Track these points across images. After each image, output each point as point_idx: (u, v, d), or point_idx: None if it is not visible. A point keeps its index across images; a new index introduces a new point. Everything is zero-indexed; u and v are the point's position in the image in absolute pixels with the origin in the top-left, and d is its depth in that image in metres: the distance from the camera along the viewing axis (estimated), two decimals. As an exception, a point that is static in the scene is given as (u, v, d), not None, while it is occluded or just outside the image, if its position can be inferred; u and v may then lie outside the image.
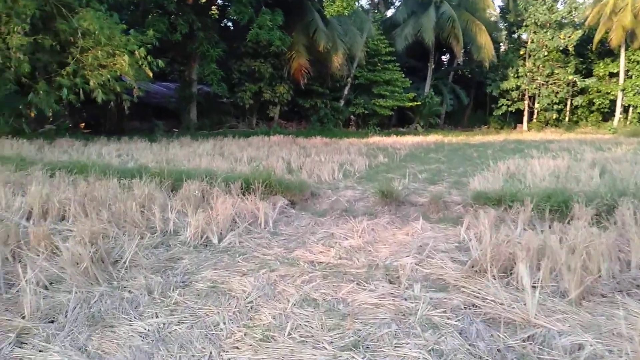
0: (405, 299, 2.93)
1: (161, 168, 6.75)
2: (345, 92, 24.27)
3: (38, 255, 3.29)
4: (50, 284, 2.98)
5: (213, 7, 21.18)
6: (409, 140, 17.22)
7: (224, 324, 2.57)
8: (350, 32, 21.93)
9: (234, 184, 5.69)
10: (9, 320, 2.47)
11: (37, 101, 11.84)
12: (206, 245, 4.06)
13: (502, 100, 29.89)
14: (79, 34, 11.81)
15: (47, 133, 13.68)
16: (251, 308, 2.77)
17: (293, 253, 3.84)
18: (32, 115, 13.72)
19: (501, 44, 32.57)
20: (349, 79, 23.94)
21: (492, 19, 32.07)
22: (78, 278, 2.98)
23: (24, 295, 2.63)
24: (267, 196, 5.56)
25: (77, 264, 3.09)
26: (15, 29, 10.73)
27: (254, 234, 4.41)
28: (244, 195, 5.50)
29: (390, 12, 32.35)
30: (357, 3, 20.31)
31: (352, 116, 25.39)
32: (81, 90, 11.82)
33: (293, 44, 19.85)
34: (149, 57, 12.12)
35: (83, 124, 18.34)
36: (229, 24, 24.07)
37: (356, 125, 25.76)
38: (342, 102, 24.30)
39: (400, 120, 29.13)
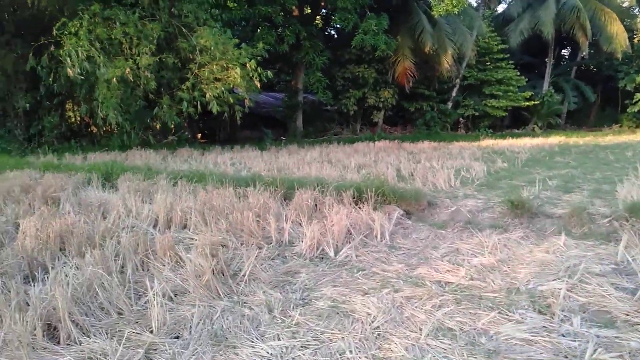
0: (564, 336, 2.43)
1: (273, 176, 6.80)
2: (454, 93, 23.11)
3: (164, 266, 3.34)
4: (175, 295, 2.98)
5: (317, 17, 21.54)
6: (527, 142, 15.76)
7: (350, 352, 2.31)
8: (459, 31, 20.85)
9: (346, 192, 5.48)
10: (138, 334, 2.46)
11: (161, 115, 12.91)
12: (322, 258, 3.88)
13: (638, 95, 26.28)
14: (197, 51, 12.64)
15: (170, 144, 14.85)
16: (378, 335, 2.48)
17: (416, 270, 3.48)
18: (157, 127, 15.03)
19: (635, 33, 28.75)
20: (457, 80, 22.76)
21: (625, 4, 28.46)
22: (200, 291, 2.94)
23: (151, 308, 2.63)
24: (380, 206, 5.26)
25: (199, 276, 3.07)
26: (144, 50, 11.79)
27: (371, 247, 4.14)
28: (356, 204, 5.27)
29: (501, 8, 30.27)
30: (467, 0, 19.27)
31: (460, 118, 24.10)
32: (199, 103, 12.63)
33: (398, 47, 19.35)
34: (259, 69, 12.57)
35: (200, 135, 19.71)
36: (333, 32, 24.32)
37: (465, 128, 24.38)
38: (449, 104, 23.18)
39: (515, 122, 26.97)
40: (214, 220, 4.52)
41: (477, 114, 23.44)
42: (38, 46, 12.32)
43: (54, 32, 11.73)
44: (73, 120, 17.17)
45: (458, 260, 3.71)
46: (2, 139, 14.33)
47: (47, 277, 3.04)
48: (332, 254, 3.91)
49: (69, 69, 11.40)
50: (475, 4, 27.14)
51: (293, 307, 2.84)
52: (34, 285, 2.96)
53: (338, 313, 2.76)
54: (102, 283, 2.86)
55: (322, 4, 20.06)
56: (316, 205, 5.27)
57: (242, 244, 4.07)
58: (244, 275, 3.29)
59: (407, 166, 8.78)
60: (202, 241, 3.71)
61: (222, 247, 3.91)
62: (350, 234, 4.35)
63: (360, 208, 4.89)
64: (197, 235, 4.29)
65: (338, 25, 18.26)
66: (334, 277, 3.39)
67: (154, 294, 2.73)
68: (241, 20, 17.51)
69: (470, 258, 3.73)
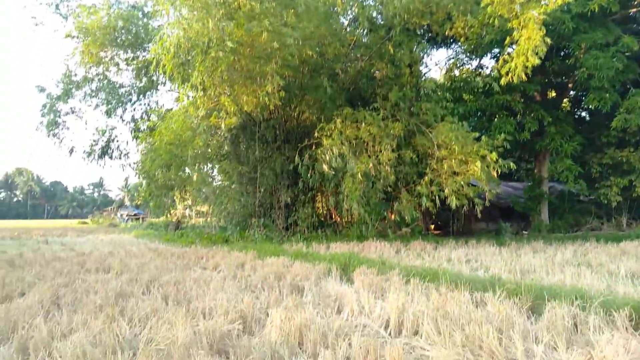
0: None
1: (516, 281, 5.97)
2: None
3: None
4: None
5: (565, 100, 19.76)
6: None
7: None
8: None
9: (618, 312, 4.30)
10: None
11: (400, 209, 13.42)
12: (591, 404, 2.97)
13: None
14: (435, 146, 12.94)
15: (404, 235, 15.10)
16: None
17: None
18: (392, 219, 15.57)
19: None
20: None
21: None
22: None
23: None
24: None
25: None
26: (385, 147, 12.75)
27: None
28: (636, 330, 4.05)
29: None
30: None
31: None
32: (437, 197, 12.67)
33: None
34: (499, 160, 12.01)
35: (433, 226, 19.55)
36: (584, 113, 21.78)
37: None
38: None
39: None
40: (448, 330, 4.07)
41: None
42: (301, 148, 14.68)
43: (316, 134, 13.88)
44: (321, 211, 19.39)
45: None
46: (267, 227, 17.06)
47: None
48: (605, 400, 2.97)
49: (324, 165, 13.14)
50: None
51: None
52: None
53: None
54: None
55: (570, 85, 18.39)
56: (576, 325, 4.27)
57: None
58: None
59: None
60: (434, 356, 3.33)
61: (457, 366, 3.43)
62: (632, 374, 3.27)
63: (642, 337, 3.72)
64: (429, 345, 3.91)
65: (591, 107, 16.28)
66: None
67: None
68: (477, 111, 17.38)
69: None
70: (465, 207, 13.33)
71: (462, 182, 12.27)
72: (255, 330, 4.37)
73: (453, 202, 12.10)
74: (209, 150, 16.77)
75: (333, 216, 19.55)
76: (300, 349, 3.85)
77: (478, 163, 12.04)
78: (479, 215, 13.67)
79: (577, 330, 4.18)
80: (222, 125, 13.81)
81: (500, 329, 4.06)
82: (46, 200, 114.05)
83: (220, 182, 20.24)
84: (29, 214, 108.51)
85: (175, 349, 3.42)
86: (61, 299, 5.60)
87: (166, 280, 6.78)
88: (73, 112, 19.67)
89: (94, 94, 19.79)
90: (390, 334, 4.45)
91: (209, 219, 25.48)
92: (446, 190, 12.33)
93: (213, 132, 14.83)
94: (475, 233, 17.06)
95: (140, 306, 4.92)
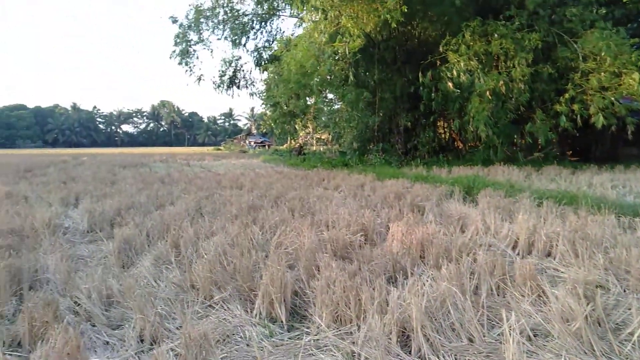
0: None
1: (676, 207, 5.16)
2: None
3: (523, 296, 2.92)
4: (535, 336, 2.52)
5: None
6: None
7: None
8: None
9: None
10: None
11: (534, 130, 12.21)
12: None
13: None
14: (580, 58, 11.28)
15: (536, 161, 13.88)
16: None
17: None
18: (523, 143, 14.33)
19: None
20: None
21: None
22: (568, 340, 2.37)
23: (506, 344, 2.28)
24: None
25: (567, 320, 2.49)
26: (519, 61, 11.44)
27: None
28: None
29: None
30: None
31: None
32: (578, 116, 11.25)
33: None
34: (661, 71, 10.13)
35: (570, 152, 17.65)
36: None
37: None
38: None
39: None
40: (587, 253, 3.71)
41: None
42: (423, 67, 13.90)
43: (441, 48, 12.96)
44: (442, 136, 18.60)
45: None
46: (386, 152, 16.96)
47: (406, 282, 3.16)
48: None
49: (449, 83, 12.35)
50: None
51: None
52: (395, 288, 3.13)
53: None
54: (455, 302, 2.70)
55: None
56: None
57: (625, 291, 3.15)
58: (631, 334, 2.47)
59: None
60: (572, 277, 3.07)
61: (599, 288, 3.13)
62: None
63: None
64: (564, 267, 3.63)
65: None
66: None
67: (509, 328, 2.37)
68: (638, 14, 14.57)
69: None
70: (613, 128, 11.67)
71: (612, 98, 10.60)
72: (377, 242, 4.45)
73: (599, 122, 10.61)
74: (332, 77, 16.74)
75: (456, 141, 18.66)
76: (423, 261, 3.84)
77: (636, 75, 10.24)
78: (630, 138, 11.91)
79: None
80: (346, 50, 13.51)
81: (653, 255, 3.57)
82: (186, 130, 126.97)
83: (339, 108, 20.34)
84: (172, 142, 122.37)
85: (303, 253, 3.63)
86: (203, 209, 6.27)
87: (291, 196, 7.17)
88: (202, 42, 20.86)
89: (220, 24, 20.68)
90: (518, 254, 4.22)
91: (329, 145, 26.18)
92: (591, 108, 10.79)
93: (338, 58, 14.64)
94: (622, 159, 15.00)
95: (270, 216, 5.30)
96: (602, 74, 10.86)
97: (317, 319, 2.72)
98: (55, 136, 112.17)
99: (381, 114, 17.38)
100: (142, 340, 2.56)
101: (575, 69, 11.64)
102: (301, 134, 31.60)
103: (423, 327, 2.42)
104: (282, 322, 2.80)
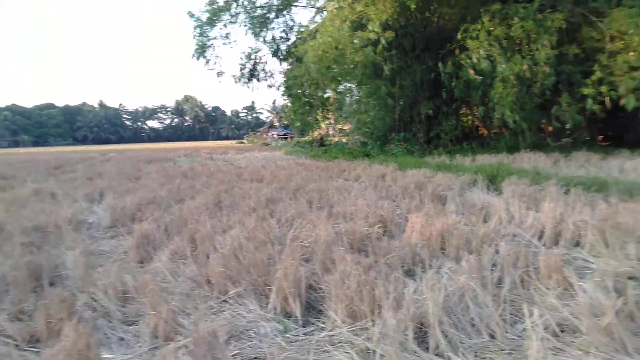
0: None
1: None
2: None
3: (548, 289, 2.78)
4: (562, 332, 2.39)
5: None
6: None
7: None
8: None
9: None
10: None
11: (560, 113, 11.79)
12: None
13: None
14: (607, 38, 10.80)
15: (564, 146, 13.43)
16: None
17: None
18: (550, 129, 13.87)
19: None
20: None
21: None
22: (598, 336, 2.23)
23: (529, 340, 2.16)
24: None
25: (597, 315, 2.35)
26: (543, 43, 11.03)
27: None
28: None
29: None
30: None
31: None
32: (607, 98, 10.78)
33: None
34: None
35: (601, 136, 17.01)
36: None
37: None
38: None
39: None
40: (619, 243, 3.52)
41: None
42: (443, 55, 13.57)
43: (459, 36, 12.62)
44: (466, 124, 18.20)
45: None
46: (408, 142, 16.71)
47: (425, 276, 3.05)
48: None
49: (470, 70, 12.02)
50: None
51: None
52: (414, 281, 3.03)
53: None
54: (476, 296, 2.59)
55: None
56: None
57: (661, 282, 2.97)
58: (666, 330, 2.32)
59: None
60: (602, 268, 2.91)
61: (631, 279, 2.96)
62: None
63: None
64: (593, 258, 3.45)
65: None
66: None
67: (533, 324, 2.25)
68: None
69: None
70: (647, 111, 11.16)
71: (643, 79, 10.14)
72: (396, 234, 4.35)
73: (631, 104, 10.14)
74: (354, 66, 16.51)
75: (480, 128, 18.22)
76: (443, 253, 3.72)
77: (662, 54, 9.76)
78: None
79: None
80: (381, 41, 13.28)
81: (691, 244, 3.37)
82: (210, 124, 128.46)
83: (359, 98, 20.10)
84: (197, 136, 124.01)
85: (318, 246, 3.56)
86: (222, 202, 6.27)
87: (311, 188, 7.11)
88: (220, 37, 20.93)
89: (235, 17, 20.67)
90: (544, 244, 4.04)
91: (350, 136, 25.95)
92: (621, 89, 10.32)
93: (364, 45, 14.41)
94: (657, 143, 14.36)
95: (288, 209, 5.25)
96: (631, 53, 10.37)
97: (332, 314, 2.66)
98: (85, 133, 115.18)
99: (402, 103, 17.09)
100: (156, 337, 2.55)
101: (602, 50, 11.15)
102: (322, 125, 31.48)
103: (441, 322, 2.32)
104: (297, 317, 2.75)
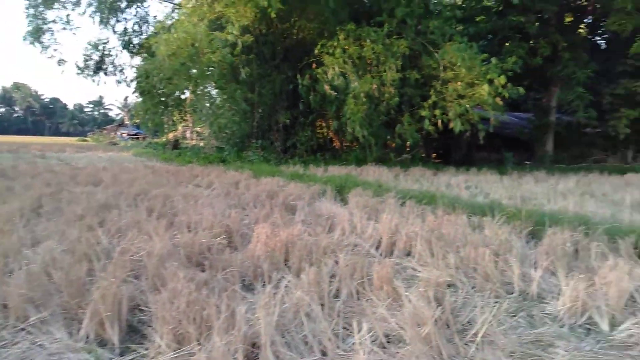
0: None
1: (516, 207, 5.73)
2: None
3: (379, 300, 2.88)
4: (388, 342, 2.46)
5: (581, 25, 18.57)
6: None
7: None
8: None
9: (624, 240, 4.07)
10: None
11: (402, 131, 12.96)
12: (589, 329, 2.79)
13: None
14: (441, 67, 12.24)
15: (404, 162, 14.80)
16: None
17: None
18: (393, 145, 15.19)
19: None
20: None
21: None
22: (419, 345, 2.34)
23: (355, 355, 2.17)
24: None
25: (419, 325, 2.47)
26: (390, 66, 12.05)
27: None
28: (639, 258, 3.85)
29: None
30: None
31: None
32: (440, 121, 12.19)
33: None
34: (508, 85, 11.38)
35: (434, 154, 19.23)
36: (600, 40, 20.62)
37: None
38: None
39: None
40: (441, 252, 3.86)
41: None
42: (301, 67, 13.93)
43: (317, 51, 13.08)
44: (321, 135, 18.96)
45: None
46: (265, 149, 16.74)
47: (264, 290, 2.93)
48: (605, 326, 2.78)
49: (325, 85, 12.52)
50: None
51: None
52: (253, 296, 2.88)
53: None
54: (311, 311, 2.54)
55: (590, 8, 17.16)
56: (577, 251, 4.06)
57: (474, 288, 3.31)
58: (475, 335, 2.54)
59: None
60: (426, 277, 3.13)
61: (449, 287, 3.24)
62: (635, 301, 3.08)
63: (647, 265, 3.51)
64: (421, 267, 3.73)
65: (607, 34, 15.22)
66: (611, 367, 2.32)
67: (361, 338, 2.27)
68: (488, 33, 16.35)
69: None
70: (467, 134, 12.91)
71: (467, 106, 11.73)
72: (240, 245, 4.18)
73: (457, 126, 11.66)
74: (210, 68, 15.94)
75: (333, 141, 19.14)
76: (286, 264, 3.66)
77: (485, 86, 11.45)
78: (482, 143, 13.28)
79: (578, 257, 3.98)
80: (239, 43, 12.94)
81: (497, 253, 3.84)
82: (46, 117, 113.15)
83: (217, 101, 19.58)
84: (30, 131, 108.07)
85: (150, 260, 3.20)
86: (43, 208, 5.40)
87: (155, 194, 6.56)
88: (60, 21, 18.52)
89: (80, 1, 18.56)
90: (381, 254, 4.27)
91: (206, 140, 25.08)
92: (450, 113, 11.82)
93: (222, 46, 13.96)
94: (476, 162, 16.76)
95: (122, 217, 4.72)
96: (459, 83, 11.96)
97: (157, 338, 2.36)
98: None
99: (260, 110, 17.11)
100: None
101: (437, 77, 12.65)
102: (179, 127, 29.93)
103: (273, 342, 2.20)
104: (113, 344, 2.39)
